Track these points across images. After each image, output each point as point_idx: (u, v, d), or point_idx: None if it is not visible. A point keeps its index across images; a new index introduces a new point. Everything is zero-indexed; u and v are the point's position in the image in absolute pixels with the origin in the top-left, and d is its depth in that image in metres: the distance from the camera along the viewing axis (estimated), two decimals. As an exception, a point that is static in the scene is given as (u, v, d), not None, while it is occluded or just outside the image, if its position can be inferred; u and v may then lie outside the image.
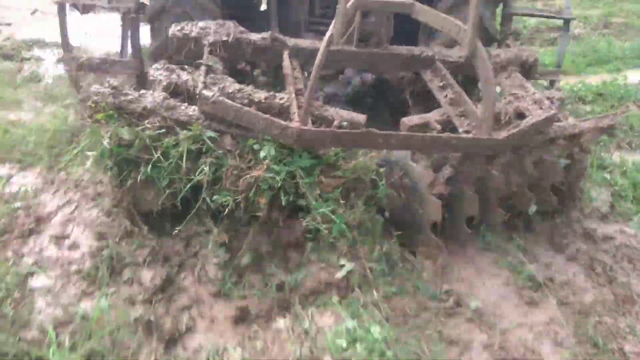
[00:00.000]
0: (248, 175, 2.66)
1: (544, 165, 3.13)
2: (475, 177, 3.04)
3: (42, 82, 5.50)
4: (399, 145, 2.83)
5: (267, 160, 2.67)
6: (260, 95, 2.85)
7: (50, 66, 5.98)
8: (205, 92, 2.72)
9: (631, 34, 8.54)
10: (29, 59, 6.19)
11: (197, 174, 2.70)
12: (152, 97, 2.81)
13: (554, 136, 3.12)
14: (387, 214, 2.96)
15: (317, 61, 2.65)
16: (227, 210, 2.71)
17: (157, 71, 3.12)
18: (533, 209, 3.21)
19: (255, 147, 2.73)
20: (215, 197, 2.72)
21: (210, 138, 2.73)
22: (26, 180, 3.69)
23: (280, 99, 2.86)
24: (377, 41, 3.46)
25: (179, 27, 3.37)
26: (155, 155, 2.68)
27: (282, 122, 2.66)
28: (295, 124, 2.65)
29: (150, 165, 2.70)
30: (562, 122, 3.23)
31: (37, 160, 3.87)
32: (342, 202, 2.73)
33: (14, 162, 3.87)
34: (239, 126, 2.77)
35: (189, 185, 2.73)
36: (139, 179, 2.76)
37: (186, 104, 2.89)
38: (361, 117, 2.89)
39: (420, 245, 3.07)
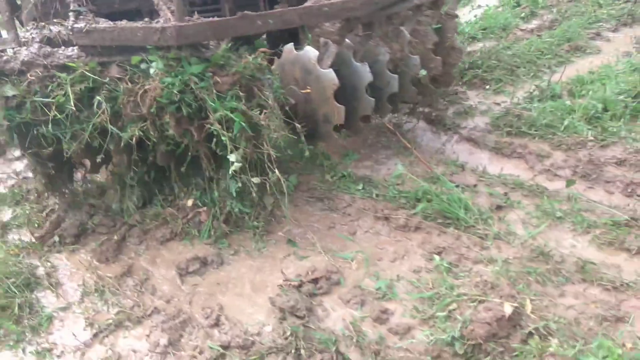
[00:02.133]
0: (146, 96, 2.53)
1: (418, 32, 3.51)
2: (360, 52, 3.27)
3: None
4: (277, 22, 2.82)
5: (158, 76, 2.55)
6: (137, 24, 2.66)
7: None
8: (78, 25, 2.55)
9: None
10: None
11: (96, 114, 2.58)
12: (27, 51, 2.63)
13: (419, 3, 3.41)
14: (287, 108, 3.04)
15: None
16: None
17: (27, 32, 2.90)
18: (423, 72, 3.44)
19: (143, 66, 2.61)
20: (124, 134, 2.63)
21: (95, 71, 2.59)
22: None
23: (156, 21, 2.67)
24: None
25: None
26: (51, 114, 2.55)
27: (159, 25, 2.54)
28: (172, 22, 2.55)
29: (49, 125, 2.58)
30: None
31: None
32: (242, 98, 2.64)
33: None
34: (121, 50, 2.62)
35: (90, 128, 2.60)
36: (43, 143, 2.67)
37: (63, 47, 2.72)
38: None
39: (321, 138, 3.38)
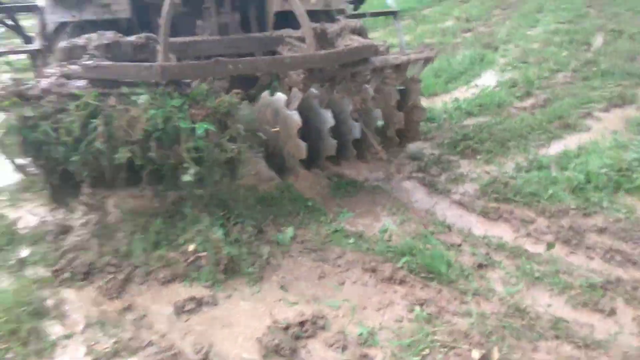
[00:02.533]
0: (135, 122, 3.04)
1: (382, 91, 4.06)
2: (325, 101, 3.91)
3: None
4: (247, 68, 3.42)
5: (144, 105, 3.06)
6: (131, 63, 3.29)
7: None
8: (88, 62, 3.17)
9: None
10: None
11: (93, 134, 3.04)
12: (46, 81, 3.19)
13: (380, 65, 3.95)
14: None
15: (163, 12, 3.25)
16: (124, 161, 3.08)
17: (50, 68, 3.44)
18: (380, 122, 4.17)
19: (134, 97, 3.11)
20: (117, 155, 3.08)
21: (97, 98, 3.08)
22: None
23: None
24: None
25: (67, 41, 3.66)
26: (66, 137, 3.04)
27: (148, 64, 3.14)
28: (158, 62, 3.17)
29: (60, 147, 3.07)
30: (387, 55, 4.12)
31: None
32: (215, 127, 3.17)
33: None
34: (119, 84, 3.16)
35: (83, 145, 3.05)
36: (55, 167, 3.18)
37: (76, 80, 3.23)
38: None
39: (289, 172, 4.03)
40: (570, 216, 3.70)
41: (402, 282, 3.08)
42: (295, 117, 3.68)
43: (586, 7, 11.97)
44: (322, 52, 3.64)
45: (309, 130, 3.77)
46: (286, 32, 4.35)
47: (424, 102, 6.32)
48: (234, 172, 3.28)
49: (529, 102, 6.19)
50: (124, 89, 3.15)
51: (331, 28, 4.16)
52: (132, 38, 3.65)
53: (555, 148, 4.81)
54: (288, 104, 3.79)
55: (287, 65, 3.57)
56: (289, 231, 3.56)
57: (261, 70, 3.74)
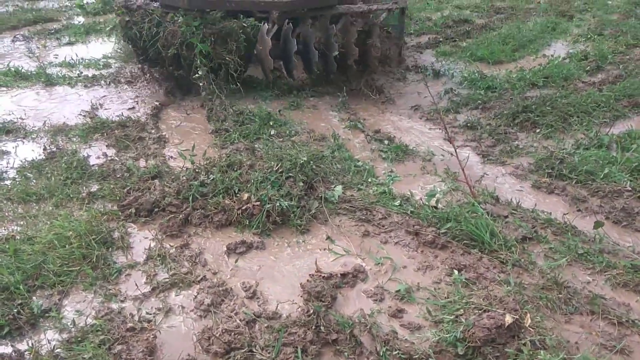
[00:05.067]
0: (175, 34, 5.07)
1: (346, 30, 5.36)
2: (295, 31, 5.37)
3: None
4: (238, 5, 5.14)
5: (178, 23, 5.07)
6: None
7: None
8: None
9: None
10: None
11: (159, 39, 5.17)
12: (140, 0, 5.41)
13: (344, 12, 5.35)
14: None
15: None
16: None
17: None
18: (335, 52, 5.33)
19: (175, 18, 5.12)
20: (168, 51, 5.15)
21: (161, 15, 5.21)
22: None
23: None
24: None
25: None
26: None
27: None
28: None
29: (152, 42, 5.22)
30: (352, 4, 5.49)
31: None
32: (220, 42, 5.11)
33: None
34: (172, 7, 5.17)
35: (152, 42, 5.22)
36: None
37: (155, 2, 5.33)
38: None
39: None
40: (624, 197, 3.62)
41: (443, 247, 3.16)
42: (268, 42, 5.17)
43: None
44: (291, 1, 5.20)
45: (282, 50, 5.42)
46: None
47: (487, 70, 6.21)
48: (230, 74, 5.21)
49: (598, 77, 5.91)
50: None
51: None
52: None
53: (620, 128, 4.63)
54: (268, 32, 5.17)
55: (263, 6, 5.18)
56: (338, 189, 3.69)
57: (246, 8, 5.21)
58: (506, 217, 3.44)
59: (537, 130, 4.64)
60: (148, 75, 5.90)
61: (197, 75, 4.99)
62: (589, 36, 7.43)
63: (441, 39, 7.78)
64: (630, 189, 3.66)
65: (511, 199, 3.63)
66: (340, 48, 5.35)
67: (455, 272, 2.94)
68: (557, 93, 5.32)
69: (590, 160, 3.99)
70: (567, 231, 3.28)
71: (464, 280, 2.86)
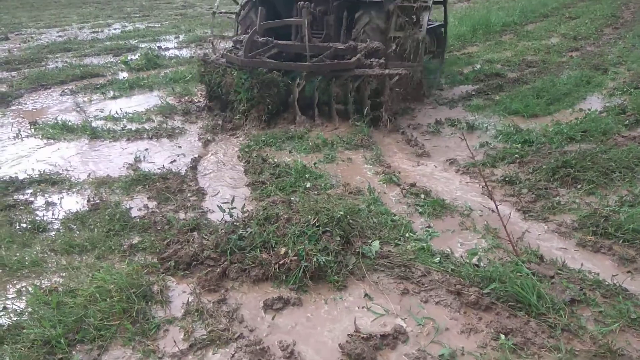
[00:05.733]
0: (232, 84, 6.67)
1: (360, 87, 6.42)
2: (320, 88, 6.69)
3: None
4: (275, 67, 6.51)
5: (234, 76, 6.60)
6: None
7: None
8: (222, 53, 7.06)
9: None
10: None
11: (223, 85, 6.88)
12: (214, 56, 7.15)
13: (359, 74, 6.34)
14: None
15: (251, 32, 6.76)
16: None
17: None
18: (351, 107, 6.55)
19: (235, 75, 6.58)
20: (229, 97, 6.87)
21: (224, 70, 6.83)
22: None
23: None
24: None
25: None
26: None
27: (237, 56, 6.55)
28: (241, 56, 6.49)
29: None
30: (371, 69, 6.39)
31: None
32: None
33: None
34: (232, 65, 6.66)
35: (217, 86, 7.01)
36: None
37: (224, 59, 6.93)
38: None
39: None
40: (678, 259, 3.45)
41: (487, 308, 3.05)
42: (295, 93, 6.54)
43: None
44: (316, 64, 6.39)
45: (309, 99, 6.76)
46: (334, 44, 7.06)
47: (522, 124, 6.18)
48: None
49: (638, 131, 5.79)
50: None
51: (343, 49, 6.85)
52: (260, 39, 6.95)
53: (666, 184, 4.48)
54: (297, 86, 6.52)
55: (295, 68, 6.57)
56: (375, 244, 3.65)
57: (282, 68, 6.55)
58: (552, 277, 3.31)
59: (579, 186, 4.53)
60: (209, 111, 7.30)
61: (240, 108, 6.62)
62: (625, 89, 7.36)
63: (474, 93, 7.83)
64: (683, 249, 3.49)
65: (556, 258, 3.51)
66: (357, 103, 6.50)
67: (502, 336, 2.82)
68: (597, 148, 5.22)
69: (636, 218, 3.85)
70: (618, 294, 3.13)
71: (511, 345, 2.73)
